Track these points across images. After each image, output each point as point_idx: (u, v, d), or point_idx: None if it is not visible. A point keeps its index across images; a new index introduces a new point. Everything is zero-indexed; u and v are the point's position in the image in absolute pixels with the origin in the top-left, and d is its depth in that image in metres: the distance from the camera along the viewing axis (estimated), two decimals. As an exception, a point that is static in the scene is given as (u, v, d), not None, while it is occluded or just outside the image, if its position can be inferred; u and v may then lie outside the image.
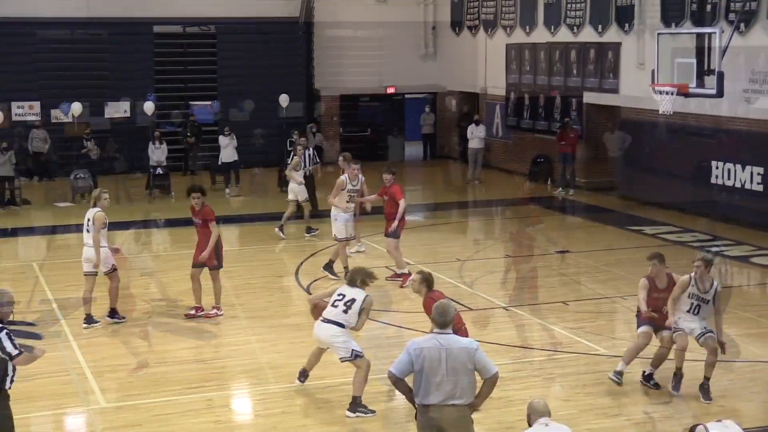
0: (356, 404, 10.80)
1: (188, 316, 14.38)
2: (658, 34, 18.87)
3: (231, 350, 13.08)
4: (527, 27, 28.25)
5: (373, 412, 10.77)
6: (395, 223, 16.14)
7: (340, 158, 18.58)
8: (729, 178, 20.98)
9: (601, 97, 25.35)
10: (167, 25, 30.51)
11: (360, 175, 17.05)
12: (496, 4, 29.78)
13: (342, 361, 10.99)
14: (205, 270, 14.42)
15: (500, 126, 29.93)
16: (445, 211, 22.97)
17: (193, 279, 14.43)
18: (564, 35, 26.63)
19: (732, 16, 20.58)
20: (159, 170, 25.55)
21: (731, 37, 18.60)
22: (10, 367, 8.54)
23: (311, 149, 22.18)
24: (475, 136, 28.01)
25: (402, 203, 16.08)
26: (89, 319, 14.06)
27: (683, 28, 21.54)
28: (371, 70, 32.53)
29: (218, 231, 14.39)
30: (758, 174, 20.24)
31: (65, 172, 26.29)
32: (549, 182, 26.26)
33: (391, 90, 32.56)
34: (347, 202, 16.75)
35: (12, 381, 8.61)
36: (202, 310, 14.43)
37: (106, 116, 29.28)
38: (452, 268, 17.68)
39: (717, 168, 21.26)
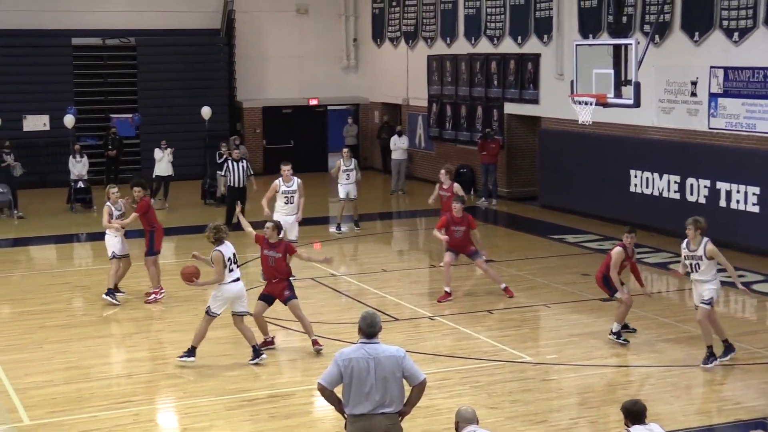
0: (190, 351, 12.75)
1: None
2: (576, 45, 19.19)
3: (156, 364, 12.97)
4: (448, 38, 28.52)
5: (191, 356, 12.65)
6: None
7: (442, 171, 18.28)
8: (647, 187, 21.41)
9: (522, 108, 25.69)
10: (86, 37, 30.15)
11: (295, 178, 17.23)
12: (417, 16, 30.01)
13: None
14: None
15: (423, 137, 30.14)
16: (370, 222, 23.04)
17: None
18: (484, 46, 26.94)
19: (647, 27, 21.04)
20: (80, 183, 25.21)
21: (647, 48, 19.01)
22: None
23: (245, 161, 22.16)
24: (398, 147, 28.17)
25: None
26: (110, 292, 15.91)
27: (600, 39, 21.94)
28: (293, 81, 32.55)
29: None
30: (675, 182, 20.69)
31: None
32: (471, 192, 26.50)
33: (313, 102, 32.60)
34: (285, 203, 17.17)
35: None
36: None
37: (25, 129, 28.84)
38: (378, 278, 17.76)
39: (635, 177, 21.69)
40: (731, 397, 11.71)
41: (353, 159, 22.58)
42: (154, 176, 25.78)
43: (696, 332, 14.01)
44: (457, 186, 18.07)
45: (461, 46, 27.91)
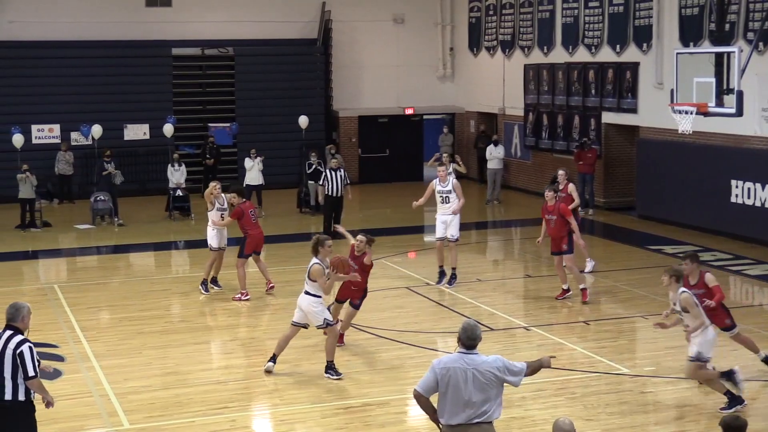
0: (328, 367, 12.60)
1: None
2: (677, 53, 18.86)
3: (253, 371, 13.09)
4: (545, 47, 28.31)
5: (339, 375, 12.47)
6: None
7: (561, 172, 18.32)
8: (749, 197, 20.92)
9: (620, 117, 25.36)
10: (186, 47, 30.71)
11: (450, 178, 17.76)
12: (514, 25, 29.86)
13: (318, 328, 12.58)
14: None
15: (519, 146, 29.95)
16: (465, 231, 22.92)
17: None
18: (582, 55, 26.68)
19: (750, 35, 20.58)
20: (179, 192, 25.65)
21: (750, 56, 18.59)
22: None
23: (342, 170, 22.27)
24: (494, 156, 28.04)
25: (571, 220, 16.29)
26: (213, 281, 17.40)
27: (701, 47, 21.55)
28: (389, 91, 32.66)
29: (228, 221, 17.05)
30: (778, 193, 20.18)
31: (86, 194, 26.45)
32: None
33: (409, 111, 32.65)
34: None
35: (33, 394, 8.77)
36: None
37: (126, 138, 29.48)
38: (473, 288, 17.68)
39: (737, 187, 21.21)
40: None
41: (452, 164, 22.44)
42: (245, 185, 26.06)
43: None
44: (571, 186, 18.02)
45: (558, 55, 27.68)
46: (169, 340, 14.58)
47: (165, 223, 25.19)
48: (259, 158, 25.80)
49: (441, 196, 17.59)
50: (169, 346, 14.30)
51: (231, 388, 12.41)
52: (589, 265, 18.45)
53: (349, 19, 31.99)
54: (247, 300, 16.73)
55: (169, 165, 25.99)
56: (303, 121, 27.52)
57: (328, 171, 22.25)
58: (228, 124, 30.36)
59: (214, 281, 17.55)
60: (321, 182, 22.44)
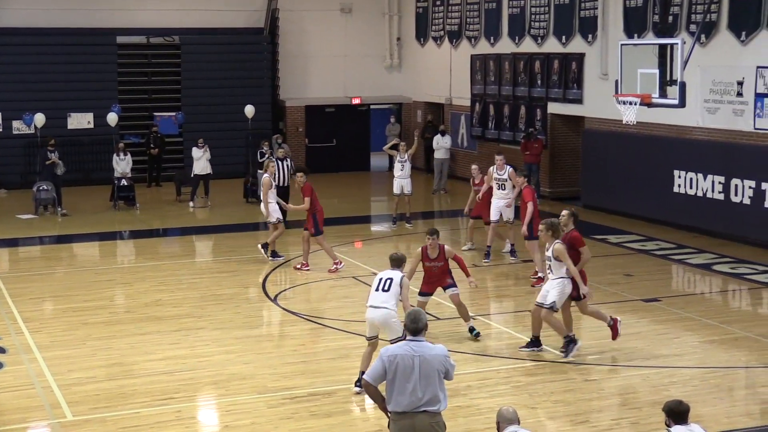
0: None
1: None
2: (621, 44, 19.05)
3: (198, 362, 13.03)
4: (492, 38, 28.43)
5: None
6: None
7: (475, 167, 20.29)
8: (691, 188, 21.20)
9: (565, 107, 25.56)
10: (131, 35, 30.39)
11: (507, 166, 18.72)
12: (461, 15, 29.94)
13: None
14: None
15: (465, 136, 30.07)
16: (412, 220, 23.00)
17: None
18: (528, 46, 26.83)
19: (693, 27, 20.84)
20: (123, 182, 25.42)
21: (693, 48, 18.82)
22: None
23: (289, 160, 22.28)
24: (441, 146, 28.14)
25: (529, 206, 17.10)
26: (273, 254, 18.72)
27: (645, 39, 21.78)
28: (336, 80, 32.62)
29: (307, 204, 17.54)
30: (719, 183, 20.46)
31: (28, 184, 26.09)
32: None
33: (356, 101, 32.64)
34: (497, 189, 18.67)
35: None
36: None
37: (69, 127, 29.13)
38: (418, 278, 17.70)
39: (680, 177, 21.49)
40: (776, 400, 11.57)
41: (408, 152, 22.68)
42: (192, 175, 25.95)
43: (740, 334, 13.90)
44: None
45: (505, 46, 27.81)
46: (114, 331, 14.45)
47: (109, 213, 24.95)
48: (206, 147, 25.69)
49: (497, 183, 18.67)
50: (114, 336, 14.18)
51: (176, 378, 12.34)
52: (507, 246, 19.20)
53: (297, 8, 31.87)
54: (341, 268, 17.87)
55: (114, 154, 25.73)
56: (249, 110, 27.38)
57: (275, 161, 22.17)
58: (174, 114, 30.13)
59: (275, 253, 18.82)
60: (267, 172, 22.36)
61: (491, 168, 18.92)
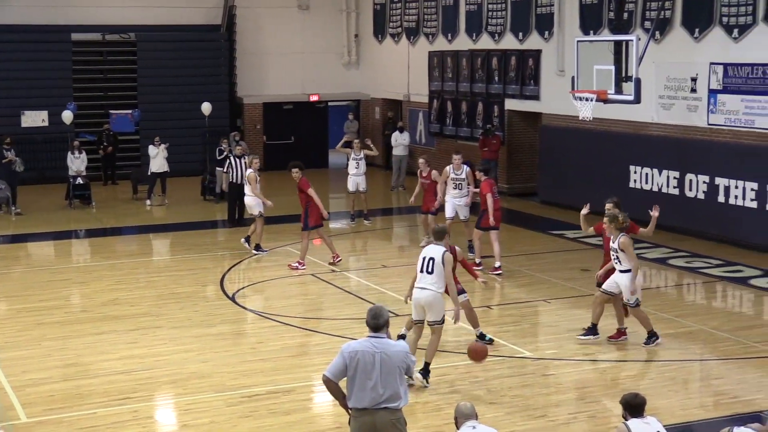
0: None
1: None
2: (577, 41, 19.16)
3: (156, 361, 12.95)
4: (449, 34, 28.50)
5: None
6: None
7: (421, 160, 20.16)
8: (647, 182, 21.39)
9: (523, 104, 25.69)
10: (86, 32, 30.11)
11: (464, 166, 18.72)
12: (419, 12, 29.98)
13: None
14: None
15: (423, 133, 30.12)
16: (371, 217, 23.01)
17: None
18: (485, 42, 26.92)
19: (648, 24, 21.02)
20: (79, 180, 25.19)
21: (647, 44, 18.98)
22: None
23: (246, 157, 22.15)
24: (399, 143, 28.16)
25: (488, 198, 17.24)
26: (257, 247, 19.14)
27: (601, 35, 21.92)
28: (294, 77, 32.54)
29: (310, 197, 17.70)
30: (674, 178, 20.67)
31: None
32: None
33: (314, 98, 32.58)
34: (453, 189, 18.59)
35: None
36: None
37: (23, 125, 28.82)
38: (378, 274, 17.77)
39: (636, 173, 21.68)
40: (729, 390, 11.70)
41: (363, 150, 22.78)
42: (149, 173, 25.78)
43: (695, 327, 14.06)
44: (434, 173, 19.42)
45: (462, 42, 27.89)
46: (70, 331, 14.32)
47: (65, 211, 24.71)
48: (163, 145, 25.55)
49: (455, 183, 18.61)
50: (70, 336, 14.05)
51: (134, 378, 12.25)
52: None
53: (254, 5, 31.74)
54: (304, 268, 17.77)
55: (69, 152, 25.49)
56: (206, 107, 27.24)
57: (232, 158, 22.10)
58: (130, 111, 29.86)
59: (258, 247, 19.19)
60: (225, 169, 22.30)
61: (448, 167, 18.89)
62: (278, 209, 20.92)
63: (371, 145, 23.64)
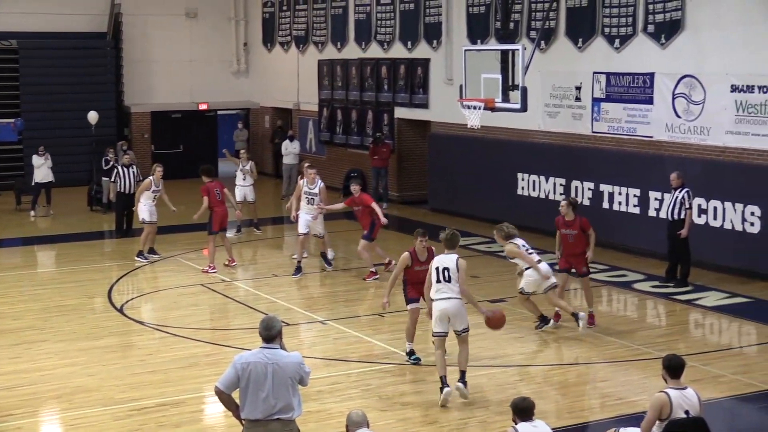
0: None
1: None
2: (465, 50, 19.41)
3: (41, 375, 12.65)
4: (339, 43, 28.56)
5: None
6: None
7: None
8: (534, 189, 21.78)
9: (412, 112, 25.89)
10: (-34, 39, 29.33)
11: (318, 180, 18.23)
12: (308, 21, 29.98)
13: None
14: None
15: (314, 141, 30.11)
16: (261, 227, 22.88)
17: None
18: (375, 51, 27.06)
19: (533, 33, 21.41)
20: (-40, 191, 24.49)
21: (533, 53, 19.33)
22: None
23: (135, 167, 21.82)
24: (290, 151, 28.08)
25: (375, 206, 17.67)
26: (140, 254, 19.20)
27: (488, 44, 22.25)
28: (183, 86, 32.20)
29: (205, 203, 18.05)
30: (560, 185, 21.08)
31: None
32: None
33: (203, 106, 32.29)
34: (306, 204, 18.14)
35: None
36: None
37: None
38: (269, 283, 17.68)
39: (523, 180, 22.04)
40: (614, 393, 11.98)
41: (250, 161, 22.66)
42: (33, 183, 25.22)
43: (581, 331, 14.33)
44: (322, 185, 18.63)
45: (352, 51, 27.98)
46: (-49, 347, 13.91)
47: (-55, 223, 23.99)
48: (47, 155, 25.02)
49: (307, 197, 18.17)
50: (-50, 352, 13.64)
51: (17, 394, 11.95)
52: (330, 254, 19.03)
53: (141, 12, 31.32)
54: (214, 272, 18.00)
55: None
56: (92, 116, 26.76)
57: (120, 168, 21.74)
58: (13, 120, 29.13)
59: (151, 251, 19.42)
60: (113, 179, 21.94)
61: (301, 181, 18.52)
62: (168, 218, 20.65)
63: (254, 170, 22.90)
